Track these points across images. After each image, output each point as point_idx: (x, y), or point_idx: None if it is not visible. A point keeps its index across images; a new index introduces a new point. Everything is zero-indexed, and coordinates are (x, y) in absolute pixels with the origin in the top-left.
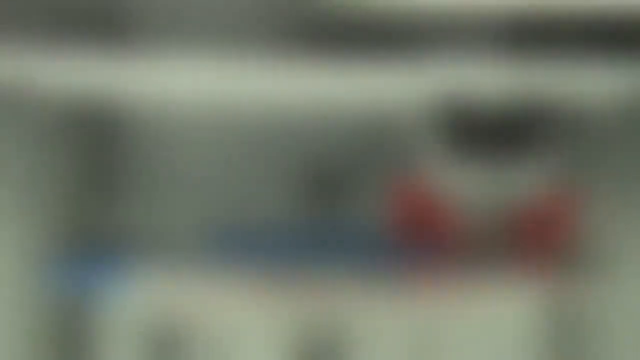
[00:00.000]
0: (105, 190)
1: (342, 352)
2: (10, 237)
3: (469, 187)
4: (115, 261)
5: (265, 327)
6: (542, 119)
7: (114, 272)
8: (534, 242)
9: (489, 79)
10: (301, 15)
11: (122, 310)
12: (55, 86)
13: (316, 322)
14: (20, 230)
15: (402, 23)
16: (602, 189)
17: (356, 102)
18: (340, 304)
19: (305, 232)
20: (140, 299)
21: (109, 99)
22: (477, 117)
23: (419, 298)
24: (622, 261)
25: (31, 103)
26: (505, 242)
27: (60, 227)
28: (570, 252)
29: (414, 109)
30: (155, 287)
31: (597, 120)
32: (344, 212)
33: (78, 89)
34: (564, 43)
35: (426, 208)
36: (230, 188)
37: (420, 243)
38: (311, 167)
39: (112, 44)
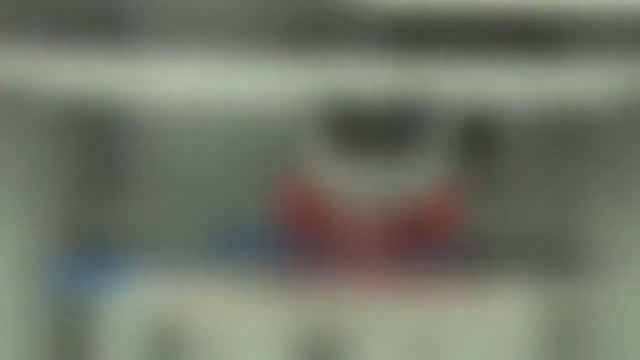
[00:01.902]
0: (105, 191)
1: (342, 353)
2: (10, 237)
3: (355, 185)
4: (115, 261)
5: (265, 327)
6: (427, 117)
7: (114, 272)
8: (421, 238)
9: (373, 78)
10: (302, 15)
11: (122, 311)
12: (55, 86)
13: (316, 323)
14: (20, 230)
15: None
16: (600, 189)
17: (246, 99)
18: (341, 304)
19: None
20: (140, 300)
21: (109, 99)
22: (361, 115)
23: (306, 297)
24: (621, 261)
25: (31, 103)
26: (392, 238)
27: (60, 227)
28: (456, 246)
29: (299, 107)
30: (155, 288)
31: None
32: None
33: (78, 88)
34: (447, 42)
35: (313, 207)
36: (231, 188)
37: (308, 242)
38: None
39: (112, 44)
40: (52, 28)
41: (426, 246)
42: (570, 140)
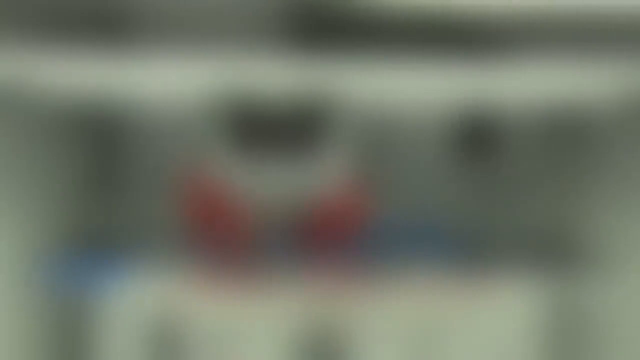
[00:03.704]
0: (105, 190)
1: (342, 352)
2: (9, 237)
3: (259, 183)
4: (115, 261)
5: (265, 326)
6: (329, 115)
7: (113, 271)
8: (325, 237)
9: (276, 75)
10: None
11: (123, 310)
12: (56, 86)
13: (316, 322)
14: (20, 230)
15: (186, 12)
16: (601, 188)
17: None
18: (341, 303)
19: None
20: (140, 299)
21: (109, 98)
22: (264, 113)
23: (212, 296)
24: (622, 259)
25: (31, 103)
26: (298, 237)
27: (60, 226)
28: (365, 242)
29: (202, 105)
30: (155, 287)
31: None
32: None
33: (78, 88)
34: (350, 40)
35: (216, 205)
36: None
37: (212, 240)
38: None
39: (112, 43)
40: (52, 28)
41: (333, 243)
42: (570, 139)
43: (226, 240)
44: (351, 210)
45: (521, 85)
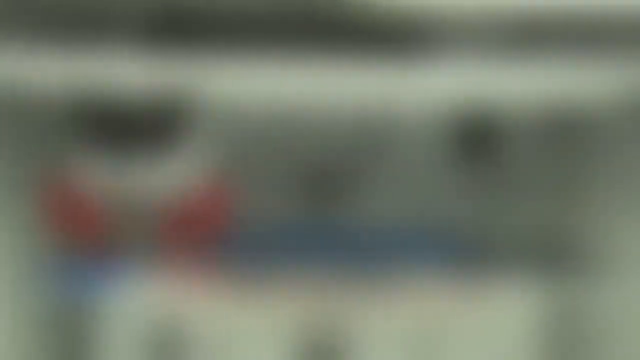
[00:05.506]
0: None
1: (342, 353)
2: (10, 240)
3: (116, 182)
4: (115, 264)
5: (264, 327)
6: (189, 113)
7: (113, 274)
8: (183, 235)
9: (129, 71)
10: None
11: (122, 313)
12: (55, 86)
13: (316, 323)
14: (20, 233)
15: (48, 9)
16: (601, 189)
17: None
18: (340, 304)
19: (305, 232)
20: (140, 302)
21: (109, 98)
22: (122, 110)
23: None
24: (622, 261)
25: (30, 103)
26: (157, 235)
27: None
28: (231, 240)
29: (58, 102)
30: (154, 290)
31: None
32: (340, 212)
33: (76, 88)
34: (206, 36)
35: (75, 204)
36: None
37: (73, 240)
38: (311, 165)
39: (112, 43)
40: (51, 28)
41: (196, 241)
42: (570, 140)
43: (90, 241)
44: (211, 208)
45: (520, 86)
